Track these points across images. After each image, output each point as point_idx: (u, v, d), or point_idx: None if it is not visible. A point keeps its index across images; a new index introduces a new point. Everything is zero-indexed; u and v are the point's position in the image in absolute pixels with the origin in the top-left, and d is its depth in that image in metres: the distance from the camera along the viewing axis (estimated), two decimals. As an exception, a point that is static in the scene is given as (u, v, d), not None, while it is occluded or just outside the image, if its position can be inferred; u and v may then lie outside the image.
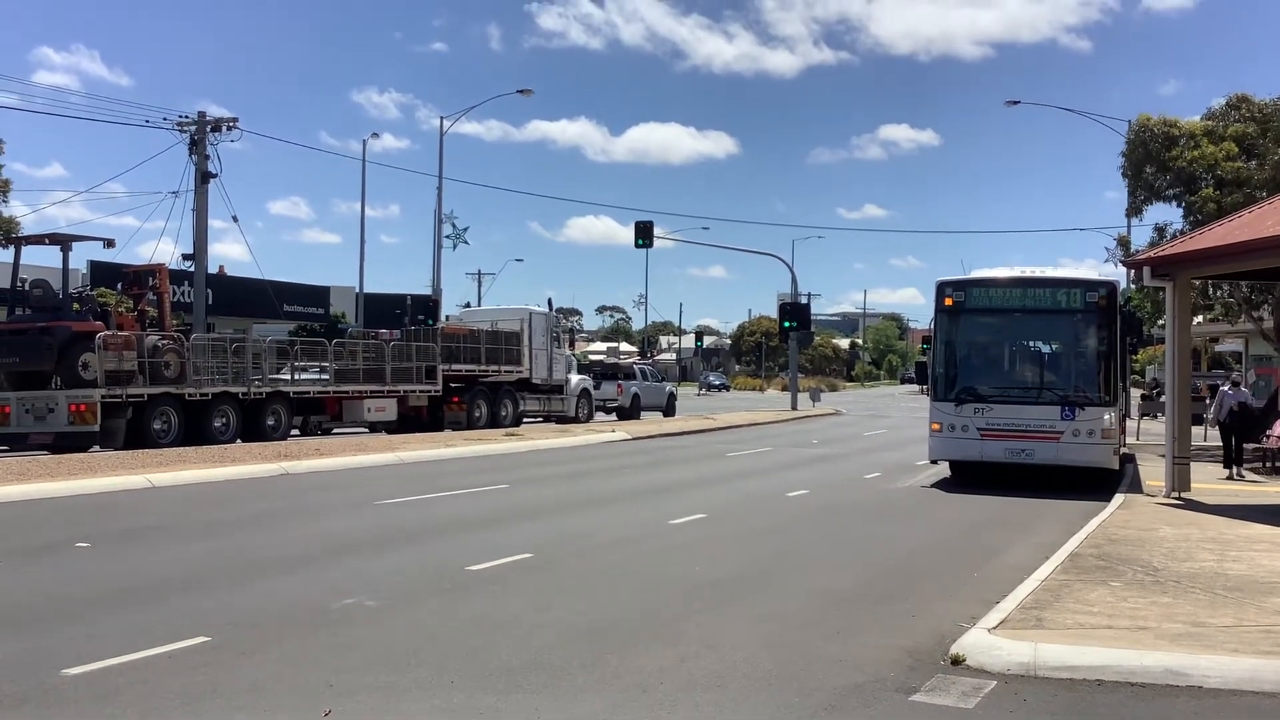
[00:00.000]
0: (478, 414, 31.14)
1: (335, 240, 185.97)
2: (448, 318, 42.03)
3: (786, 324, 45.72)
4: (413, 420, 29.41)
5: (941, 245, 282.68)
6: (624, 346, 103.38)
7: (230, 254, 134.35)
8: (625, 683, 6.49)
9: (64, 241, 24.20)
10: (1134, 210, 27.77)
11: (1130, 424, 29.58)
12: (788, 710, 6.07)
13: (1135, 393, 39.93)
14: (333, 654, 7.00)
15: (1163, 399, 20.38)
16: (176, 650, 6.97)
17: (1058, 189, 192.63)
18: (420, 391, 29.50)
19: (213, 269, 37.77)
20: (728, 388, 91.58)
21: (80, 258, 37.05)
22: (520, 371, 32.95)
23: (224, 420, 24.15)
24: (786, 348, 62.21)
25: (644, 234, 42.92)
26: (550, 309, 36.80)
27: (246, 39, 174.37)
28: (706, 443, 28.41)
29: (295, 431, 26.37)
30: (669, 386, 45.43)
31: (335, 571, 9.81)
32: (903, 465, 21.64)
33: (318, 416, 27.35)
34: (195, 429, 23.41)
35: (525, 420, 33.50)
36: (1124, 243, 29.85)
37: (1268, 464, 20.43)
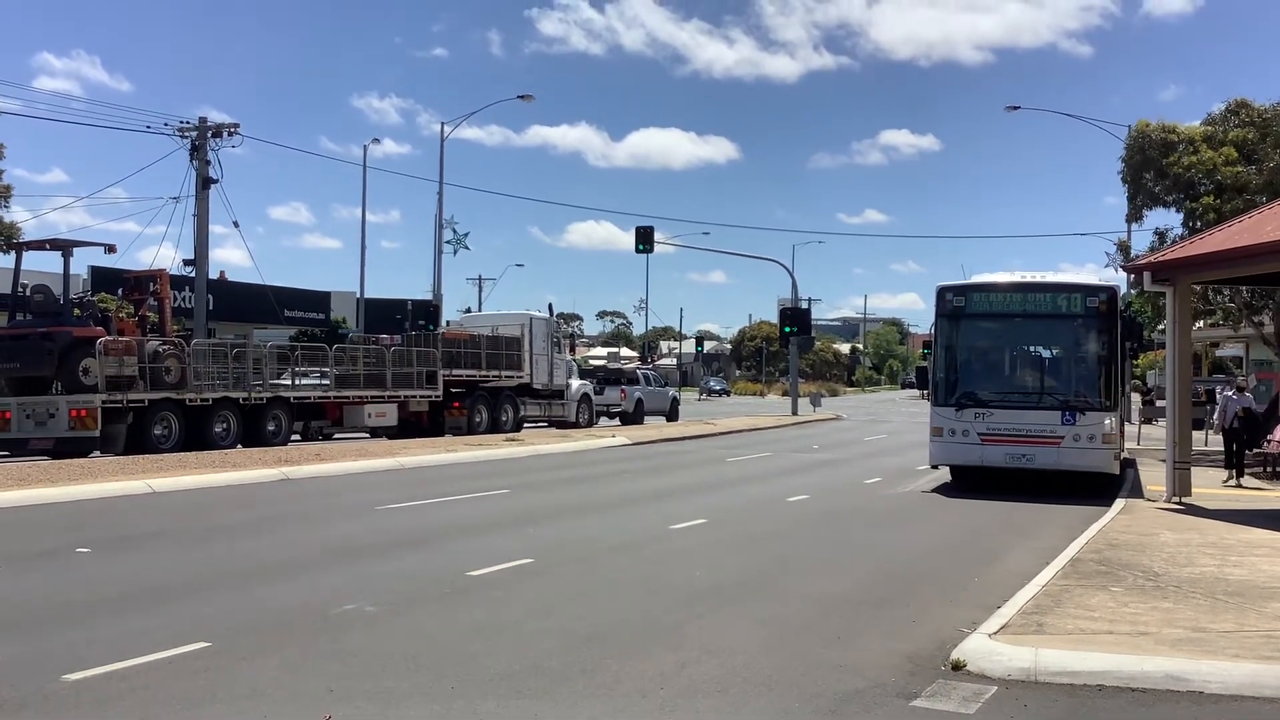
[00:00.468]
0: (478, 419, 31.16)
1: (336, 245, 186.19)
2: (448, 323, 42.06)
3: (787, 329, 45.78)
4: (413, 425, 29.40)
5: (942, 250, 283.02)
6: (624, 352, 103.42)
7: (231, 259, 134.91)
8: (625, 688, 6.49)
9: (65, 247, 24.20)
10: (1134, 216, 27.80)
11: (1130, 428, 29.59)
12: (788, 715, 6.06)
13: (1135, 397, 39.92)
14: (333, 659, 6.99)
15: (1160, 404, 20.37)
16: (176, 656, 6.97)
17: (1058, 194, 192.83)
18: (421, 397, 29.50)
19: (213, 274, 37.82)
20: (728, 393, 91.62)
21: (81, 263, 37.17)
22: (521, 377, 32.94)
23: (225, 425, 24.15)
24: (787, 353, 62.28)
25: (644, 239, 42.99)
26: (551, 314, 36.82)
27: (247, 44, 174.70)
28: (707, 448, 28.41)
29: (296, 437, 26.38)
30: (672, 392, 45.45)
31: (335, 577, 9.81)
32: (903, 470, 21.64)
33: (318, 422, 27.35)
34: (196, 434, 23.41)
35: (526, 425, 33.51)
36: (1124, 248, 29.87)
37: (1269, 469, 20.41)
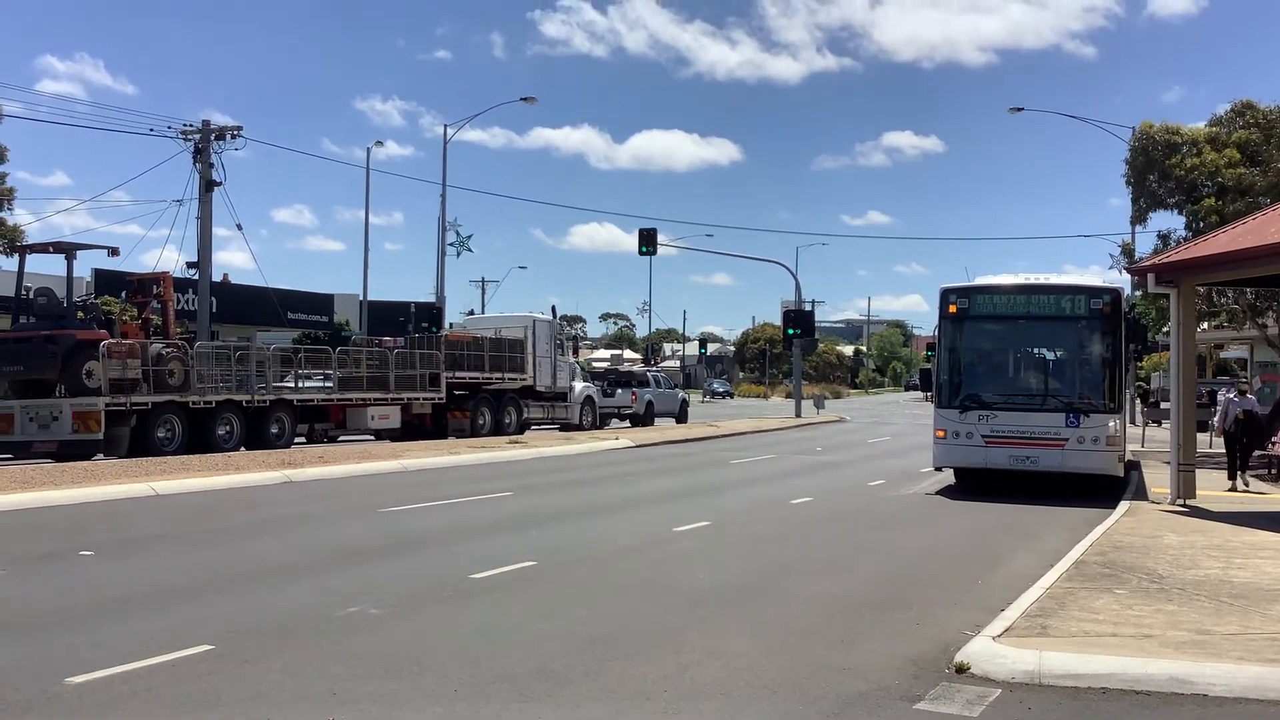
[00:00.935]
0: (481, 421, 31.16)
1: (339, 248, 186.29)
2: (451, 325, 42.15)
3: (790, 331, 45.75)
4: (416, 428, 29.42)
5: (945, 252, 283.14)
6: (628, 354, 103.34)
7: (234, 262, 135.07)
8: (628, 690, 6.48)
9: (68, 250, 24.26)
10: (1138, 218, 27.75)
11: (1134, 430, 29.54)
12: (791, 718, 6.06)
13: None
14: (336, 662, 6.99)
15: (1164, 405, 20.31)
16: (179, 659, 6.97)
17: (1062, 195, 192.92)
18: (424, 399, 29.51)
19: (217, 277, 37.94)
20: (732, 395, 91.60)
21: (85, 266, 37.27)
22: (524, 379, 32.94)
23: (228, 428, 24.17)
24: (790, 355, 62.21)
25: (648, 241, 43.00)
26: (554, 316, 36.82)
27: (250, 47, 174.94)
28: (710, 450, 28.40)
29: (299, 439, 26.39)
30: (681, 394, 45.43)
31: (338, 579, 9.81)
32: (907, 472, 21.61)
33: (322, 424, 27.38)
34: (199, 437, 23.43)
35: (529, 427, 33.51)
36: (1128, 250, 29.83)
37: (1273, 471, 20.38)
